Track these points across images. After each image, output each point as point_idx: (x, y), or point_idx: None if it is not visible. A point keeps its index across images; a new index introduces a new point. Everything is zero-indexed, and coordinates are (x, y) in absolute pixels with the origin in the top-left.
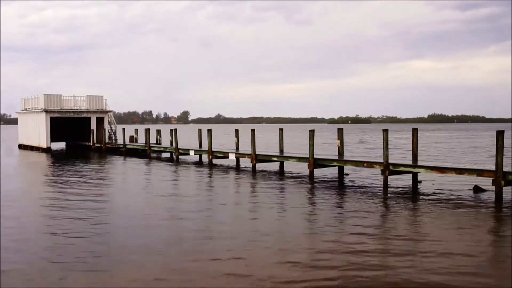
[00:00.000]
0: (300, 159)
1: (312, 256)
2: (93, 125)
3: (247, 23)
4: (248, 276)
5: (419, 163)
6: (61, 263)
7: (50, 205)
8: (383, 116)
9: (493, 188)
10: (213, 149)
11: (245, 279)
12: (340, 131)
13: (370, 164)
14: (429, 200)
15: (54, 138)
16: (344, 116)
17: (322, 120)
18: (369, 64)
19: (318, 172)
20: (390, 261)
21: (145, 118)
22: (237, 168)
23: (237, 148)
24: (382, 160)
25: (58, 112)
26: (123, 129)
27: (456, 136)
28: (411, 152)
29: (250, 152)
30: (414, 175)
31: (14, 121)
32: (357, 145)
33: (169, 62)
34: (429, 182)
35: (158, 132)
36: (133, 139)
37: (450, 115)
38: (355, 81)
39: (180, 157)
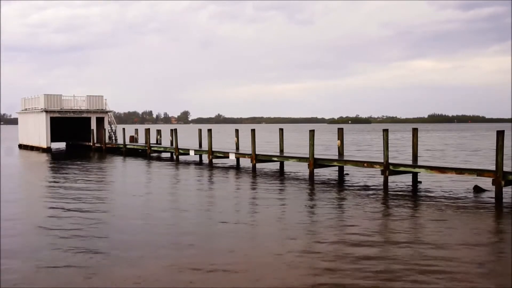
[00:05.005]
0: (300, 159)
1: (312, 256)
2: (93, 125)
3: (248, 23)
4: (247, 276)
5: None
6: (60, 262)
7: (50, 205)
8: (383, 116)
9: (493, 188)
10: (213, 149)
11: (244, 279)
12: (340, 131)
13: (370, 164)
14: (429, 200)
15: (54, 138)
16: (344, 116)
17: (322, 120)
18: (369, 64)
19: (318, 172)
20: (390, 261)
21: (145, 118)
22: (237, 168)
23: (237, 148)
24: (382, 160)
25: (58, 112)
26: (123, 129)
27: (458, 136)
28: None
29: (250, 152)
30: (414, 175)
31: (14, 121)
32: (348, 147)
33: (170, 62)
34: (429, 182)
35: (158, 132)
36: (133, 139)
37: (450, 115)
38: (355, 81)
39: (180, 157)
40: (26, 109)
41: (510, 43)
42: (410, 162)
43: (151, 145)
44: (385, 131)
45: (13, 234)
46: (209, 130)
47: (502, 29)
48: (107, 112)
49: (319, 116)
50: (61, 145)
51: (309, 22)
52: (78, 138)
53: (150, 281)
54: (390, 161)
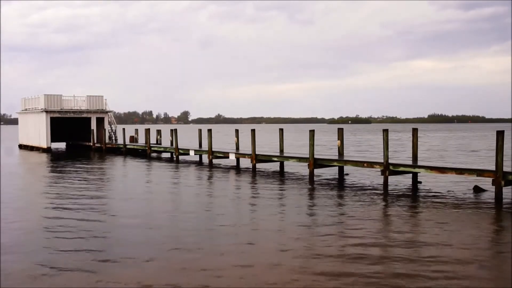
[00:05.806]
0: (300, 159)
1: (312, 256)
2: (93, 125)
3: (248, 23)
4: (247, 276)
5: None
6: (60, 263)
7: (50, 206)
8: (383, 116)
9: (493, 188)
10: (213, 149)
11: (243, 279)
12: (340, 131)
13: (370, 164)
14: (429, 200)
15: (54, 138)
16: (344, 116)
17: (322, 120)
18: (370, 64)
19: (318, 172)
20: (390, 262)
21: (145, 118)
22: (237, 168)
23: (237, 148)
24: (382, 160)
25: (58, 112)
26: (123, 129)
27: (458, 136)
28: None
29: (250, 152)
30: (414, 175)
31: (14, 121)
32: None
33: (170, 62)
34: (429, 182)
35: (158, 132)
36: (133, 139)
37: (450, 115)
38: (355, 81)
39: (180, 157)
40: (26, 109)
41: (510, 43)
42: (410, 162)
43: (151, 145)
44: (385, 131)
45: (9, 239)
46: (209, 130)
47: (502, 29)
48: (107, 112)
49: (319, 116)
50: (61, 145)
51: (310, 22)
52: (78, 138)
53: (148, 282)
54: (390, 161)
